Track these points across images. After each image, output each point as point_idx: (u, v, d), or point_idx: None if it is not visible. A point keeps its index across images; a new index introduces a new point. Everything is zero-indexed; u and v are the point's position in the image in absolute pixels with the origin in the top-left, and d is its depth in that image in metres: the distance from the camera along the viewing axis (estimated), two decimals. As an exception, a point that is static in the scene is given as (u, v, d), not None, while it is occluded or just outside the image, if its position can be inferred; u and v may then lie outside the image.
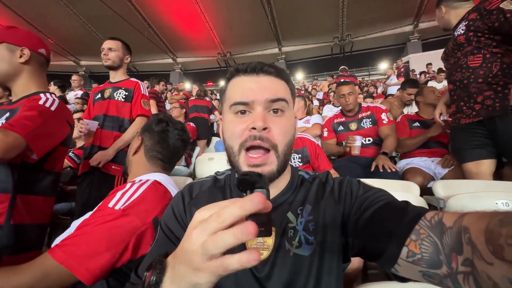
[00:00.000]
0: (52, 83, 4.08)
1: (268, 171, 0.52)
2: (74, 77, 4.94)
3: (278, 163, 0.53)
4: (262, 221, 0.29)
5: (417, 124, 2.24)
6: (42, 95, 1.07)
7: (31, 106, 0.99)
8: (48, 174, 1.06)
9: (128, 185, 0.81)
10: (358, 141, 1.96)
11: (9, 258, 0.91)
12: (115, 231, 0.69)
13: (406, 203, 0.47)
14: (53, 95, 1.10)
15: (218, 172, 0.70)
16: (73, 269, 0.62)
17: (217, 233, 0.27)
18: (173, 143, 0.98)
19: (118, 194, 0.77)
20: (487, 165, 1.50)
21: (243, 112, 0.54)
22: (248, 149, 0.52)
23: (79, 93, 4.58)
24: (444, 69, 7.02)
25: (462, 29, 1.53)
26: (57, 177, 1.11)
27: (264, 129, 0.51)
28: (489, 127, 1.45)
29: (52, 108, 1.05)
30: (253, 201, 0.27)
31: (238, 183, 0.36)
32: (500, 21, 1.34)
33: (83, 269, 0.62)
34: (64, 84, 4.36)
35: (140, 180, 0.84)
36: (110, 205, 0.74)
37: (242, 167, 0.53)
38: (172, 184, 0.92)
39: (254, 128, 0.51)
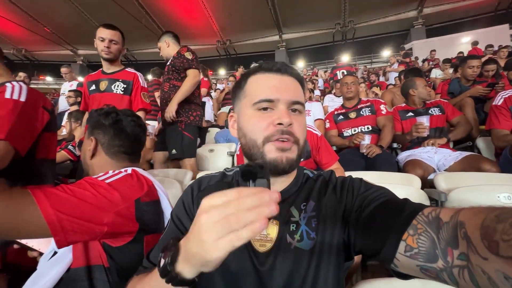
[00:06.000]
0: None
1: (291, 158, 0.56)
2: (63, 70, 4.44)
3: (298, 154, 0.57)
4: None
5: (410, 114, 2.29)
6: (8, 84, 1.01)
7: (1, 103, 0.94)
8: (42, 162, 1.05)
9: (110, 172, 0.77)
10: (366, 140, 2.00)
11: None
12: (101, 196, 0.65)
13: (405, 200, 0.48)
14: (20, 83, 1.06)
15: (228, 168, 0.72)
16: (50, 222, 0.56)
17: (238, 212, 0.31)
18: (131, 131, 0.92)
19: (100, 175, 0.74)
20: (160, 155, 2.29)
21: (265, 109, 0.57)
22: (274, 141, 0.56)
23: (74, 83, 4.39)
24: (450, 58, 6.80)
25: (170, 62, 2.17)
26: (53, 164, 1.10)
27: (290, 125, 0.55)
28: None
29: (22, 99, 0.99)
30: (271, 195, 0.31)
31: (242, 173, 0.39)
32: (183, 62, 2.09)
33: (59, 223, 0.57)
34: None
35: (120, 172, 0.80)
36: (94, 177, 0.70)
37: (268, 154, 0.55)
38: (150, 176, 0.89)
39: (280, 124, 0.54)
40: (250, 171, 0.38)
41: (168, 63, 2.18)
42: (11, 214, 0.55)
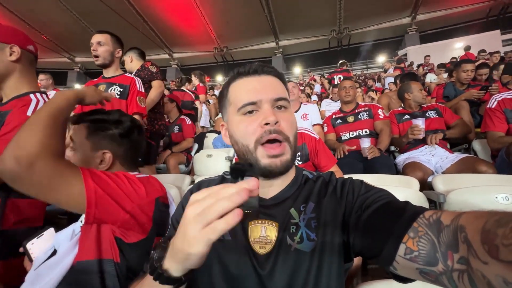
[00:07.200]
0: None
1: (285, 160, 0.56)
2: (41, 77, 4.20)
3: (291, 153, 0.57)
4: (251, 205, 0.34)
5: (407, 117, 2.31)
6: (32, 97, 1.02)
7: (23, 120, 0.93)
8: None
9: (135, 172, 0.81)
10: (366, 142, 2.01)
11: (1, 263, 0.90)
12: (130, 186, 0.70)
13: (406, 202, 0.48)
14: (43, 96, 1.06)
15: (227, 171, 0.72)
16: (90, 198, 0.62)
17: (214, 203, 0.32)
18: (140, 140, 0.93)
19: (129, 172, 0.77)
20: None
21: (250, 112, 0.57)
22: (263, 143, 0.55)
23: (52, 93, 4.31)
24: (444, 63, 6.87)
25: (134, 74, 2.22)
26: None
27: (276, 123, 0.54)
28: None
29: None
30: (249, 183, 0.33)
31: (231, 171, 0.40)
32: (148, 74, 2.24)
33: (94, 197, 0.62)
34: None
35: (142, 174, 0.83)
36: (125, 172, 0.74)
37: (262, 160, 0.55)
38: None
39: (266, 124, 0.54)
40: (239, 168, 0.39)
41: (132, 76, 2.30)
42: (59, 177, 0.61)
